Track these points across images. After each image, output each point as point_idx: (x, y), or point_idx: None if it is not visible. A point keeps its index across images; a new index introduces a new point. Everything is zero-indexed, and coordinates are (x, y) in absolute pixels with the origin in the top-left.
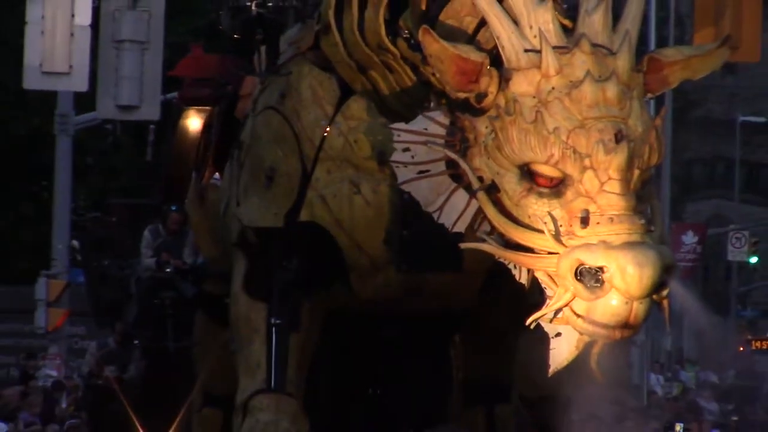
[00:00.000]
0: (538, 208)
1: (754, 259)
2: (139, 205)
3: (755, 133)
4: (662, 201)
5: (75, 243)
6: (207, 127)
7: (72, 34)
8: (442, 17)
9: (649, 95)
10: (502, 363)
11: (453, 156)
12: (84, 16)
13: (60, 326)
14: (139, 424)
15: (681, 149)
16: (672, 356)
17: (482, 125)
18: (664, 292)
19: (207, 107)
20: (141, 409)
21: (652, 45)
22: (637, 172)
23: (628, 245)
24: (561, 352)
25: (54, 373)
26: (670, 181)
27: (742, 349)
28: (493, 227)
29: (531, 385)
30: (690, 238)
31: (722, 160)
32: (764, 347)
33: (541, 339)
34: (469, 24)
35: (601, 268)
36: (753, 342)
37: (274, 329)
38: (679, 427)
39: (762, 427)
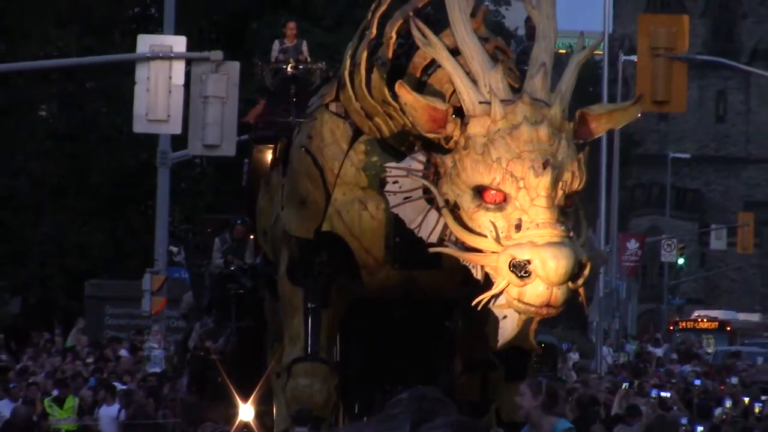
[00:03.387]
0: (485, 219)
1: (681, 261)
2: (226, 219)
3: (682, 166)
4: (611, 216)
5: (172, 248)
6: (275, 158)
7: (170, 91)
8: (430, 82)
9: (581, 140)
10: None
11: (427, 184)
12: (178, 78)
13: (160, 310)
14: (231, 384)
15: (626, 178)
16: (618, 333)
17: (448, 160)
18: (580, 281)
19: (271, 144)
20: (233, 373)
21: (605, 99)
22: (560, 192)
23: (549, 244)
24: (506, 330)
25: (156, 346)
26: (618, 201)
27: (672, 328)
28: (455, 236)
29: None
30: (633, 245)
31: (657, 186)
32: (689, 326)
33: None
34: (448, 90)
35: (528, 261)
36: (680, 323)
37: (310, 311)
38: (625, 386)
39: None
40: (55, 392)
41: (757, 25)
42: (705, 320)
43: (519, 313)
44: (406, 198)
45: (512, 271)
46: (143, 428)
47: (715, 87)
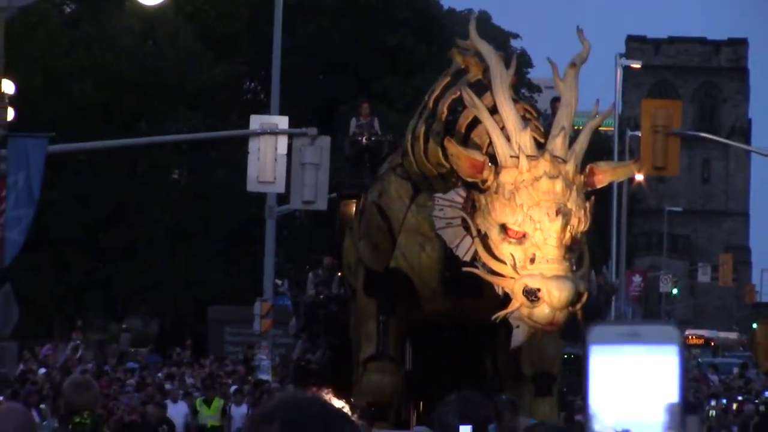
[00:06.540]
0: (507, 250)
1: (675, 291)
2: (318, 259)
3: (676, 217)
4: (620, 257)
5: (277, 281)
6: (356, 211)
7: (275, 159)
8: (472, 136)
9: (589, 188)
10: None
11: (465, 216)
12: (282, 149)
13: (268, 330)
14: (329, 389)
15: (631, 227)
16: None
17: (483, 199)
18: (578, 306)
19: (354, 200)
20: (327, 380)
21: None
22: (569, 234)
23: (555, 277)
24: (518, 337)
25: (264, 357)
26: (625, 245)
27: None
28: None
29: (530, 364)
30: (637, 279)
31: (656, 233)
32: None
33: (534, 335)
34: (485, 140)
35: (538, 289)
36: None
37: (381, 322)
38: None
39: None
40: (194, 393)
41: (734, 107)
42: (694, 338)
43: (529, 327)
44: (447, 223)
45: (525, 295)
46: None
47: (701, 156)
